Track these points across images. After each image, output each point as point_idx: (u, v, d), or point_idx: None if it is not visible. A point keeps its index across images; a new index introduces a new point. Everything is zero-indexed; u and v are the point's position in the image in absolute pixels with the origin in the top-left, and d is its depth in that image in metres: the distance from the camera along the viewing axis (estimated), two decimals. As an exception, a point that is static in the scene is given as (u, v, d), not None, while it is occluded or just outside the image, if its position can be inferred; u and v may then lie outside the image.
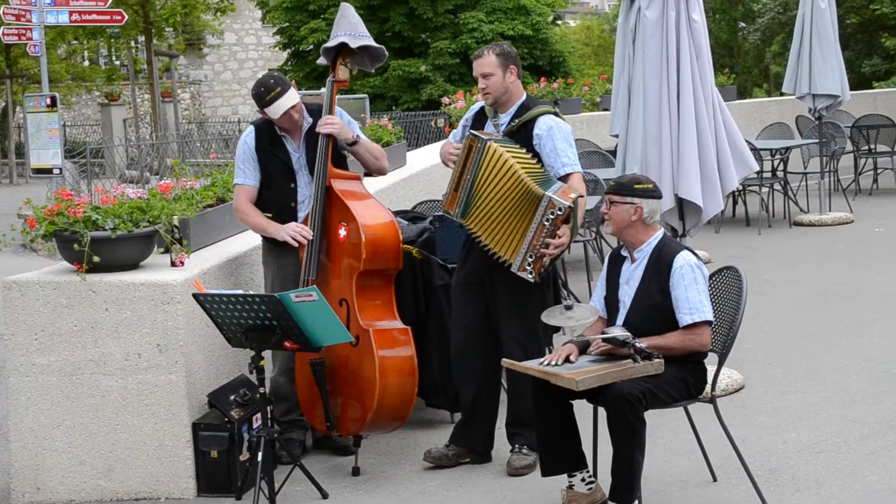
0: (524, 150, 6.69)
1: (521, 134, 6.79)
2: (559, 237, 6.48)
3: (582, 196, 6.62)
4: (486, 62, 6.84)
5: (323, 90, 7.39)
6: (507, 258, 6.58)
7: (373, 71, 7.53)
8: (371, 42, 7.21)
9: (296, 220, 7.11)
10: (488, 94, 6.85)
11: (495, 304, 6.85)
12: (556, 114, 6.94)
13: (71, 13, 19.80)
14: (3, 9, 19.45)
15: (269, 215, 7.06)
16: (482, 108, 7.06)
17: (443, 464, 7.00)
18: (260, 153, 7.14)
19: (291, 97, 6.98)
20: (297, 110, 7.04)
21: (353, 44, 7.13)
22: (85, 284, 6.62)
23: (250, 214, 7.11)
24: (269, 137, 7.16)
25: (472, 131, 6.79)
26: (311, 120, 7.17)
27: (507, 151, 6.59)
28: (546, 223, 6.44)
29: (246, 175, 7.16)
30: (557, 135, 6.79)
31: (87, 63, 44.76)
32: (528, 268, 6.53)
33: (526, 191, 6.48)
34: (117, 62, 45.89)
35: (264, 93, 6.98)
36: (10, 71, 36.20)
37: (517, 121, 6.83)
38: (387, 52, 7.44)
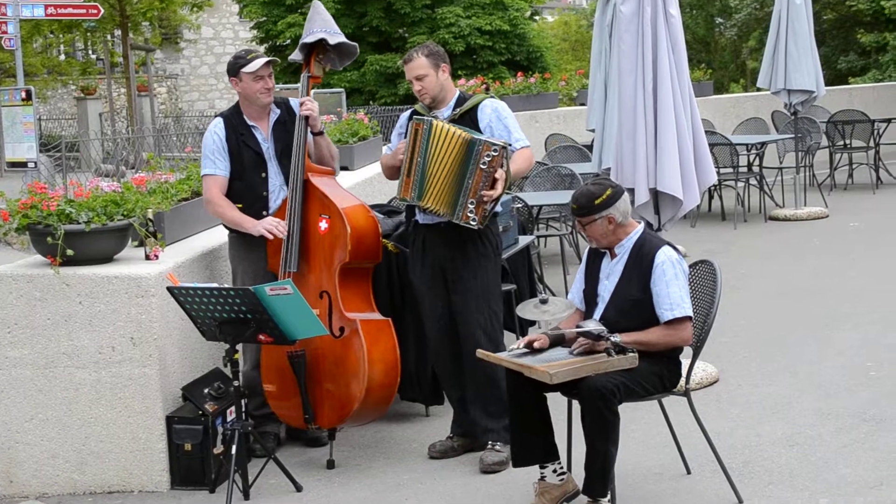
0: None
1: (465, 122, 6.86)
2: (496, 180, 6.58)
3: (510, 144, 6.74)
4: (417, 65, 6.91)
5: (298, 84, 7.40)
6: (447, 212, 6.66)
7: (341, 68, 7.56)
8: (345, 39, 7.25)
9: (268, 209, 7.11)
10: (426, 94, 6.91)
11: (459, 294, 6.87)
12: (492, 97, 7.12)
13: (46, 6, 19.67)
14: (-23, 2, 19.35)
15: (240, 206, 7.04)
16: (413, 112, 7.08)
17: (448, 455, 7.03)
18: (230, 143, 7.13)
19: (266, 58, 7.07)
20: (271, 74, 7.10)
21: (332, 40, 7.16)
22: (58, 278, 6.59)
23: (225, 207, 7.05)
24: (239, 127, 7.16)
25: (415, 118, 6.81)
26: (277, 111, 7.19)
27: (452, 125, 6.70)
28: (483, 166, 6.54)
29: (217, 166, 7.11)
30: (504, 114, 6.95)
31: (62, 57, 44.51)
32: (470, 215, 6.61)
33: (463, 142, 6.59)
34: (93, 56, 45.67)
35: (245, 54, 7.12)
36: (-16, 64, 36.02)
37: (459, 110, 6.91)
38: (358, 49, 7.46)
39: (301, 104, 7.08)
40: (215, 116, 7.40)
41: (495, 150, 6.54)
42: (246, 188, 7.12)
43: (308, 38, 7.19)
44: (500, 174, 6.58)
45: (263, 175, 7.14)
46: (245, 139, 7.14)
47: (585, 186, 6.22)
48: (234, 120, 7.20)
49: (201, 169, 7.22)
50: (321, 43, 7.18)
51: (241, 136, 7.14)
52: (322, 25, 7.21)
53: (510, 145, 6.73)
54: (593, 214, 6.04)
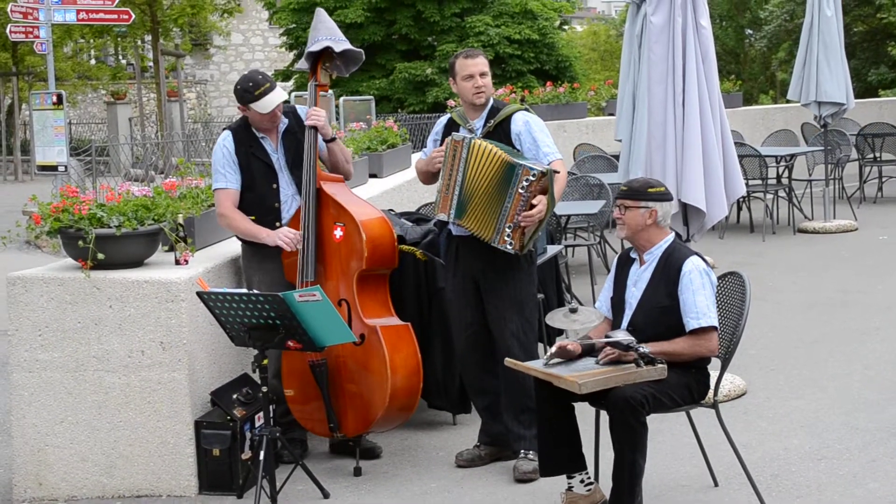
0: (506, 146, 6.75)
1: (499, 133, 6.85)
2: (534, 205, 6.53)
3: (557, 172, 6.69)
4: (483, 62, 6.96)
5: (307, 93, 7.39)
6: (486, 234, 6.62)
7: (347, 75, 7.55)
8: (350, 45, 7.24)
9: (280, 219, 7.09)
10: (483, 93, 6.90)
11: (493, 303, 6.86)
12: (526, 109, 7.06)
13: (78, 12, 19.81)
14: (10, 6, 19.49)
15: (253, 218, 7.02)
16: (450, 120, 7.09)
17: (475, 464, 7.02)
18: (240, 156, 7.08)
19: (280, 94, 7.01)
20: (281, 108, 7.07)
21: (337, 48, 7.15)
22: (89, 281, 6.63)
23: (238, 220, 7.02)
24: (247, 139, 7.12)
25: (453, 134, 6.81)
26: (286, 121, 7.18)
27: (491, 144, 6.66)
28: (521, 191, 6.50)
29: (228, 179, 7.07)
30: (535, 127, 6.91)
31: (93, 61, 44.78)
32: (507, 239, 6.58)
33: (503, 165, 6.54)
34: (123, 61, 45.92)
35: (253, 87, 6.97)
36: (16, 68, 36.21)
37: (492, 121, 6.89)
38: (364, 56, 7.45)
39: (307, 115, 7.08)
40: (224, 129, 7.37)
41: (534, 175, 6.47)
42: (257, 200, 7.09)
43: (313, 47, 7.16)
44: (538, 199, 6.54)
45: (275, 186, 7.11)
46: (254, 151, 7.10)
47: (642, 176, 6.28)
48: (242, 132, 7.15)
49: (213, 183, 7.19)
50: (327, 51, 7.18)
51: (249, 147, 7.10)
52: (326, 33, 7.19)
53: (555, 172, 6.66)
54: (641, 200, 6.06)
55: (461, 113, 7.05)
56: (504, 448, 7.01)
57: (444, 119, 7.18)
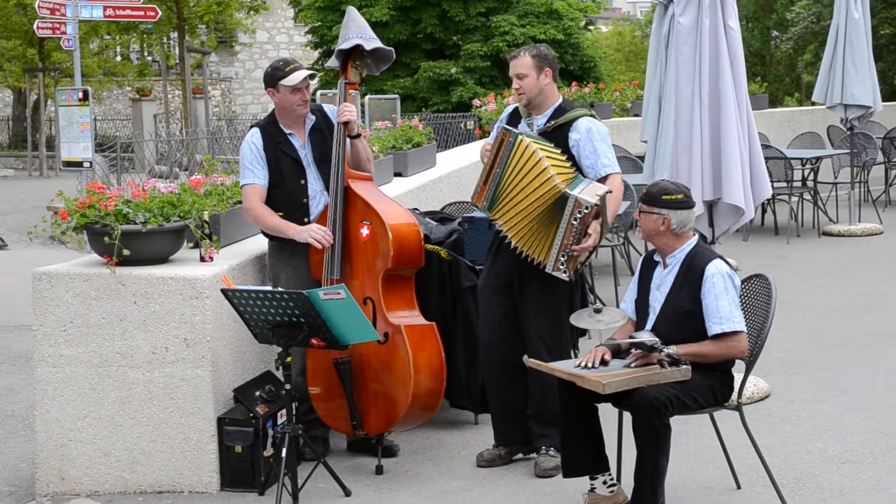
0: (558, 150, 6.70)
1: (557, 135, 6.80)
2: (589, 235, 6.49)
3: (610, 191, 6.64)
4: (521, 63, 6.88)
5: (337, 91, 7.40)
6: (541, 259, 6.58)
7: (378, 73, 7.55)
8: (381, 44, 7.24)
9: (308, 215, 7.11)
10: (522, 94, 6.88)
11: (523, 304, 6.85)
12: (593, 116, 6.97)
13: (105, 8, 19.82)
14: (37, 2, 19.55)
15: (281, 214, 7.04)
16: (516, 109, 7.09)
17: (496, 464, 7.02)
18: (268, 152, 7.11)
19: (306, 72, 7.05)
20: (308, 86, 7.10)
21: (368, 46, 7.15)
22: (114, 277, 6.64)
23: (266, 215, 7.04)
24: (276, 135, 7.15)
25: (504, 125, 6.81)
26: (313, 118, 7.20)
27: (538, 146, 6.61)
28: (574, 222, 6.45)
29: (255, 175, 7.09)
30: (596, 136, 6.82)
31: (119, 58, 44.89)
32: (561, 267, 6.54)
33: (553, 189, 6.49)
34: (149, 58, 46.01)
35: (283, 65, 7.07)
36: (42, 64, 36.36)
37: (553, 122, 6.85)
38: (394, 54, 7.45)
39: (339, 111, 7.08)
40: (251, 126, 7.40)
41: (587, 208, 6.42)
42: (285, 196, 7.10)
43: (344, 45, 7.17)
44: (593, 227, 6.50)
45: (303, 182, 7.13)
46: (282, 147, 7.12)
47: (666, 180, 6.24)
48: (271, 128, 7.18)
49: (240, 179, 7.21)
50: (357, 49, 7.18)
51: (278, 143, 7.12)
52: (357, 31, 7.19)
53: (608, 192, 6.62)
54: (653, 207, 6.04)
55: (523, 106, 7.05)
56: (524, 447, 7.00)
57: (511, 107, 7.21)
